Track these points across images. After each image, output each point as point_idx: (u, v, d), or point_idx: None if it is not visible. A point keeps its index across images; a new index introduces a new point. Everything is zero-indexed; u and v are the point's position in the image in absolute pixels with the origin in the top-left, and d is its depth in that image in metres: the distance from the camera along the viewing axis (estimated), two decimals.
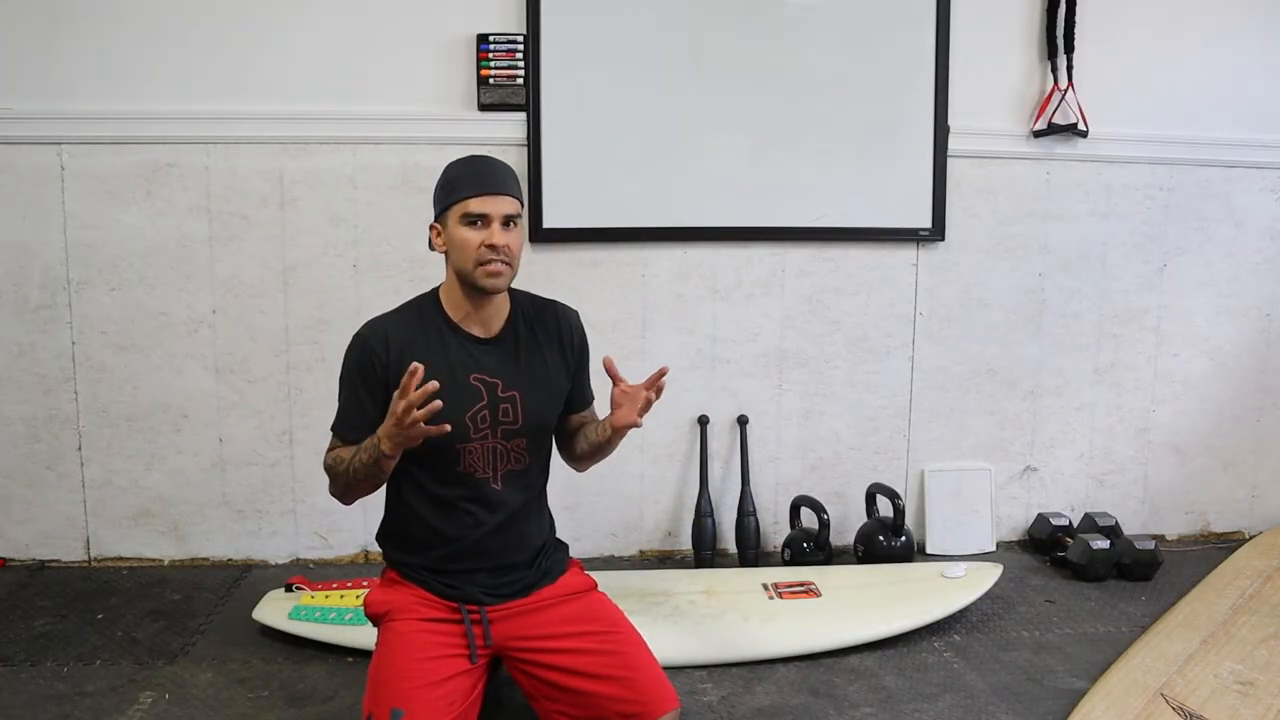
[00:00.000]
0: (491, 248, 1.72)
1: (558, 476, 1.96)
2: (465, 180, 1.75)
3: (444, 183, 1.79)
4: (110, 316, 2.77)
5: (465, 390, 1.77)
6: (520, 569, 1.85)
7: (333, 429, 1.82)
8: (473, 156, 1.81)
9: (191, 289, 2.78)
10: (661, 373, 1.74)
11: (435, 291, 1.85)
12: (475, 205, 1.72)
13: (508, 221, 1.74)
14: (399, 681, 1.65)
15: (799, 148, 2.88)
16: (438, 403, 1.56)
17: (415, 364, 1.56)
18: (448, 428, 1.62)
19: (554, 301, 1.93)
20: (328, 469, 1.79)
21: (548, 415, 1.87)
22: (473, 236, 1.72)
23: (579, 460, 1.95)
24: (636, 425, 1.76)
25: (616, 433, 1.79)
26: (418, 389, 1.56)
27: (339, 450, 1.78)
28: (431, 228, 1.81)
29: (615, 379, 1.78)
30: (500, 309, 1.83)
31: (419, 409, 1.56)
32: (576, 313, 1.94)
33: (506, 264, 1.74)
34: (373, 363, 1.75)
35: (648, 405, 1.74)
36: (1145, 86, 3.01)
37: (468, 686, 1.71)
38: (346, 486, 1.75)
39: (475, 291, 1.77)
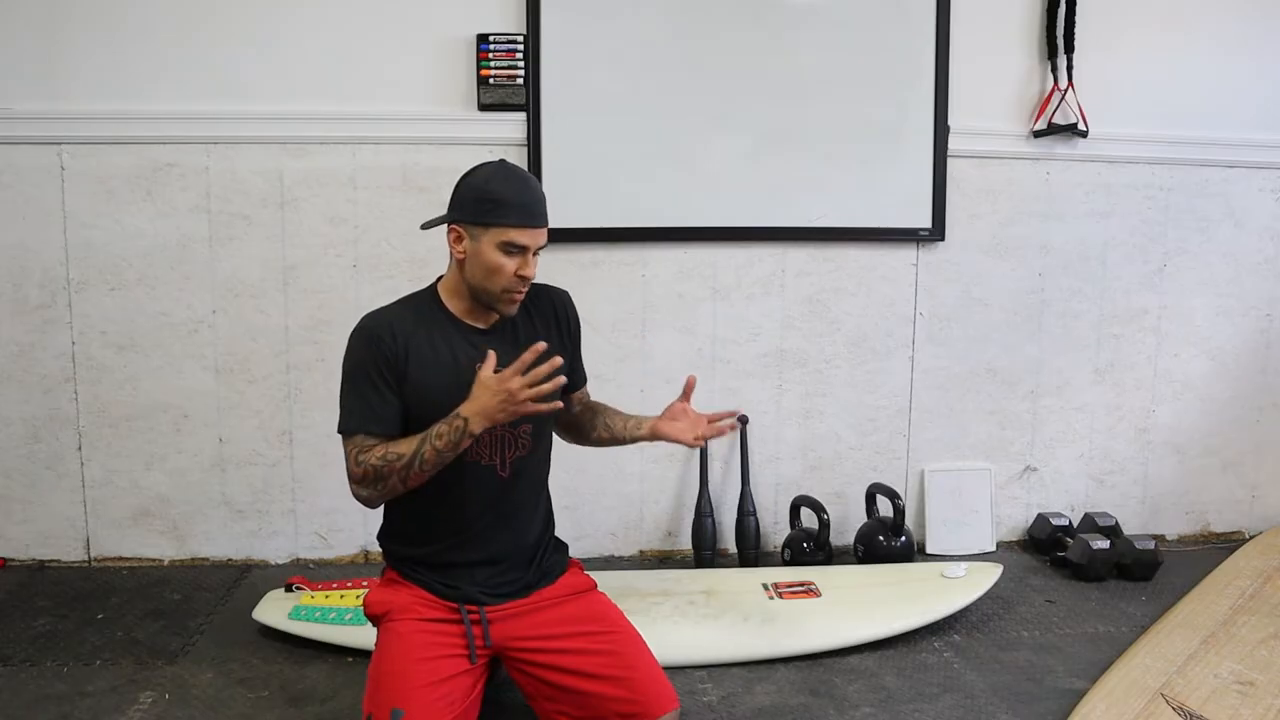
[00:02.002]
0: (523, 278, 1.73)
1: (558, 477, 1.96)
2: (513, 207, 1.70)
3: (484, 196, 1.70)
4: (110, 316, 2.77)
5: (471, 379, 1.75)
6: (519, 567, 1.85)
7: (349, 429, 1.72)
8: (516, 175, 1.75)
9: (191, 289, 2.78)
10: (731, 415, 1.89)
11: (433, 288, 1.84)
12: (519, 236, 1.70)
13: (537, 250, 1.76)
14: (399, 682, 1.65)
15: (799, 148, 2.88)
16: (562, 379, 1.63)
17: (540, 344, 1.62)
18: (560, 405, 1.69)
19: (545, 285, 1.93)
20: (373, 470, 1.67)
21: (551, 399, 1.87)
22: (508, 264, 1.71)
23: (587, 441, 1.98)
24: (688, 444, 1.85)
25: (656, 439, 1.87)
26: (530, 369, 1.61)
27: (382, 447, 1.68)
28: (452, 229, 1.75)
29: (687, 394, 1.87)
30: None
31: (544, 383, 1.62)
32: (567, 293, 1.95)
33: (525, 291, 1.78)
34: (384, 352, 1.72)
35: (706, 436, 1.84)
36: (1145, 86, 3.01)
37: (467, 686, 1.71)
38: (403, 481, 1.67)
39: (485, 307, 1.79)
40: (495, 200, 1.70)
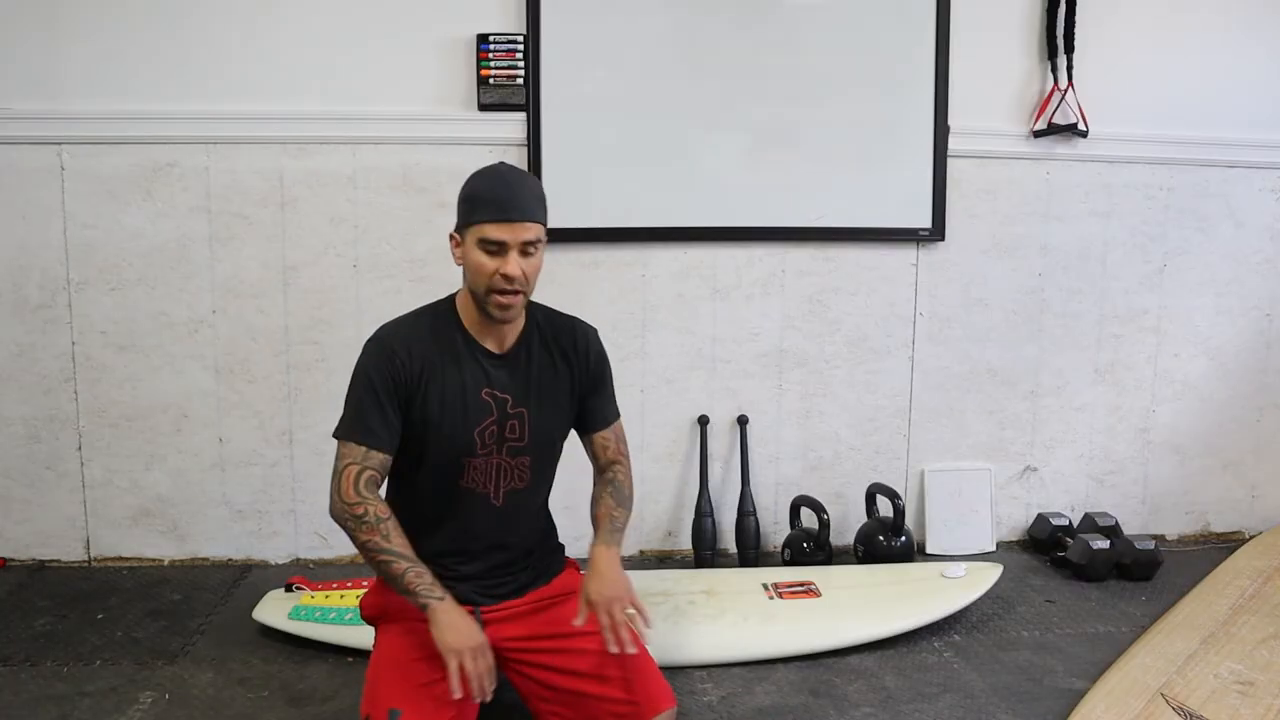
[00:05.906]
0: (505, 277, 1.65)
1: (559, 476, 1.94)
2: (486, 202, 1.66)
3: (466, 195, 1.70)
4: (110, 316, 2.77)
5: (476, 405, 1.73)
6: (515, 572, 1.84)
7: (343, 435, 1.69)
8: (499, 171, 1.71)
9: (191, 289, 2.78)
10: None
11: (451, 299, 1.80)
12: (493, 231, 1.64)
13: (526, 249, 1.66)
14: (395, 681, 1.65)
15: (799, 148, 2.88)
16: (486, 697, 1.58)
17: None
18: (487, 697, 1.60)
19: (573, 319, 1.88)
20: (355, 518, 1.64)
21: (554, 434, 1.84)
22: (488, 263, 1.65)
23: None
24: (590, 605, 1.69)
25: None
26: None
27: (387, 530, 1.64)
28: (451, 237, 1.73)
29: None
30: (514, 324, 1.78)
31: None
32: (594, 330, 1.90)
33: (518, 293, 1.67)
34: (397, 369, 1.68)
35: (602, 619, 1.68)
36: (1145, 86, 3.01)
37: None
38: (365, 557, 1.66)
39: (487, 316, 1.73)
40: (473, 199, 1.68)
